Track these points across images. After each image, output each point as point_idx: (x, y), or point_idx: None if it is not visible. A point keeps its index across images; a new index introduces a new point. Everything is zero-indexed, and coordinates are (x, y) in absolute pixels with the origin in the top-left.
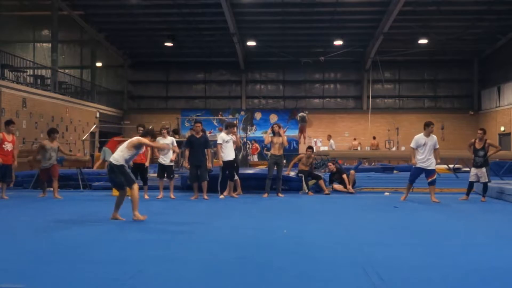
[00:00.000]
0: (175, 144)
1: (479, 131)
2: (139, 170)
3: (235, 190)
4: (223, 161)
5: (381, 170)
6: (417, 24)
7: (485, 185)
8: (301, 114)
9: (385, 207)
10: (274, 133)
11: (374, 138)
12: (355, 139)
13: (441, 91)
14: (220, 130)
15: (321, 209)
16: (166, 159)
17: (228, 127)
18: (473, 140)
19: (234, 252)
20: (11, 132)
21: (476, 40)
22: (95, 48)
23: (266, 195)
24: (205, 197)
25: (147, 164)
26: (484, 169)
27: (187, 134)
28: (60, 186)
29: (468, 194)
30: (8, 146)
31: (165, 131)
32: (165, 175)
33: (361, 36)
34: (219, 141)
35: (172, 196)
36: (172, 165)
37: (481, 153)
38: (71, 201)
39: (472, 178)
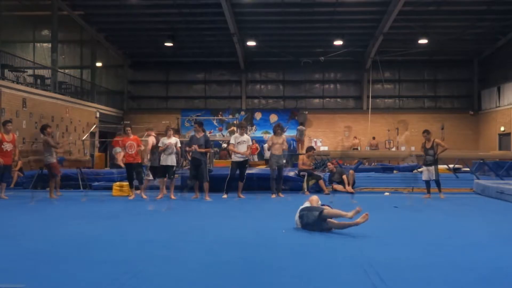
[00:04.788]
0: (179, 144)
1: (423, 133)
2: (134, 170)
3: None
4: (232, 161)
5: (381, 170)
6: (417, 24)
7: (437, 182)
8: (299, 127)
9: (385, 207)
10: (275, 133)
11: (373, 138)
12: (355, 138)
13: (441, 91)
14: (220, 130)
15: None
16: (168, 159)
17: (240, 128)
18: (424, 141)
19: (234, 252)
20: (10, 132)
21: (476, 40)
22: (95, 48)
23: (274, 195)
24: (207, 198)
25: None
26: (433, 167)
27: (188, 134)
28: (60, 186)
29: (428, 191)
30: (7, 146)
31: (171, 131)
32: (166, 175)
33: (361, 36)
34: (231, 141)
35: (173, 197)
36: (173, 166)
37: (431, 152)
38: (70, 201)
39: (424, 177)
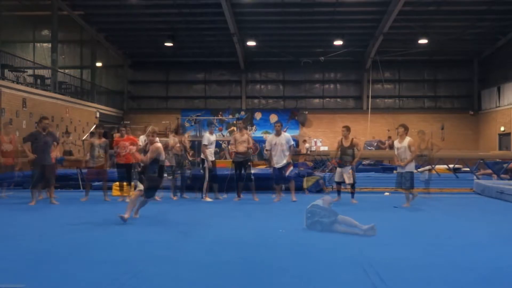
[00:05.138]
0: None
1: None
2: (134, 169)
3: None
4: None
5: (381, 170)
6: (417, 24)
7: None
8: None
9: (385, 207)
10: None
11: (373, 138)
12: (355, 138)
13: (441, 91)
14: (220, 130)
15: None
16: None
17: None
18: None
19: (234, 252)
20: (9, 133)
21: (476, 40)
22: (95, 48)
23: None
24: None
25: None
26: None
27: (187, 134)
28: (60, 186)
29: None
30: (6, 147)
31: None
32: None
33: (361, 36)
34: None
35: (173, 197)
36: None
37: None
38: (70, 201)
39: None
